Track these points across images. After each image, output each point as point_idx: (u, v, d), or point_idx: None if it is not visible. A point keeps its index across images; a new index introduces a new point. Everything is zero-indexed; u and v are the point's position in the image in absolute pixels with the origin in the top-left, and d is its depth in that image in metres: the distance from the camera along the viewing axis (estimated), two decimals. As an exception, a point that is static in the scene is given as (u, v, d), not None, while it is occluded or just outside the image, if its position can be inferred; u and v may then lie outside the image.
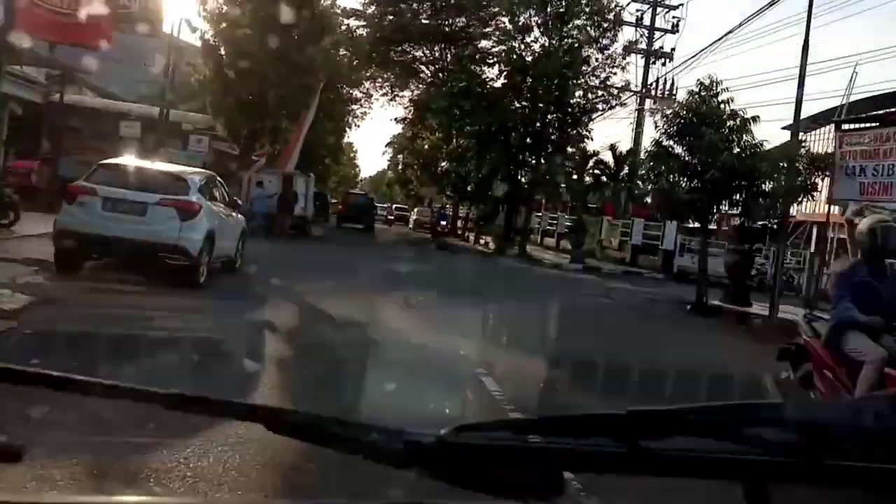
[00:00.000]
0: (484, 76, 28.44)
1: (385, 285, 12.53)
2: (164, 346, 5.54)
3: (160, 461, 2.69)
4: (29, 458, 0.88)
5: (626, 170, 26.62)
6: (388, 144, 55.47)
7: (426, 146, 52.13)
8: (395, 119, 48.07)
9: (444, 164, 46.72)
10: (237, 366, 5.31)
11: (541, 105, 25.94)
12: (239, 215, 12.56)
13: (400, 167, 62.28)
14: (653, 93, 28.14)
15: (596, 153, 28.12)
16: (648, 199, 19.71)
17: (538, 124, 25.79)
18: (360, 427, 0.88)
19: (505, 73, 26.75)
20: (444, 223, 31.25)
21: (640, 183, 18.91)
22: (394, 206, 60.34)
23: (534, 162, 25.96)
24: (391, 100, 42.04)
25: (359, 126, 52.14)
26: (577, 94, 25.07)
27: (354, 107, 45.30)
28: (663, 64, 29.24)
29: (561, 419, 0.93)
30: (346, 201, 38.50)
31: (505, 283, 17.11)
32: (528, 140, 26.00)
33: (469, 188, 29.54)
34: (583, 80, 25.26)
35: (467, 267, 21.55)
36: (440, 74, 32.62)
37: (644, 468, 0.93)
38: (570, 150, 26.37)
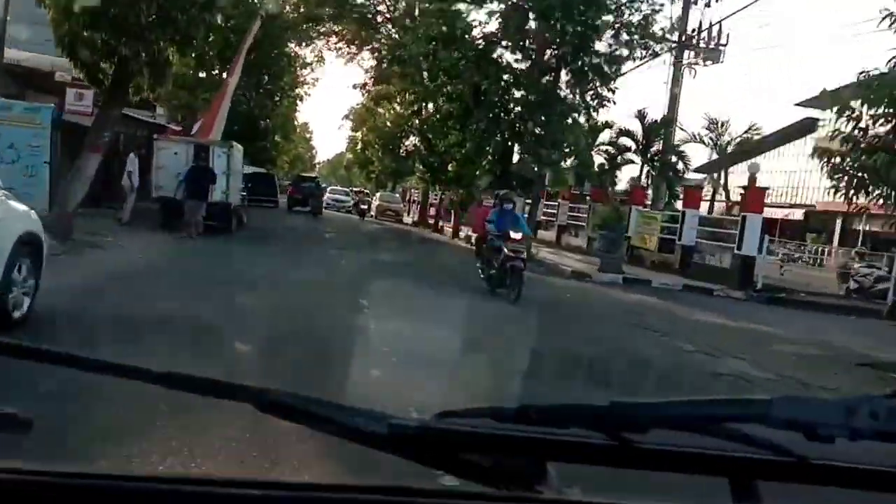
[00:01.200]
0: (471, 18, 21.91)
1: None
2: None
3: (158, 436, 2.88)
4: (38, 429, 0.88)
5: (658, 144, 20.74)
6: (345, 117, 48.32)
7: (388, 119, 44.93)
8: (354, 85, 40.65)
9: (412, 139, 39.61)
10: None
11: (549, 55, 19.55)
12: (18, 208, 5.79)
13: (359, 146, 55.12)
14: (694, 42, 21.84)
15: (606, 125, 21.90)
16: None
17: (546, 79, 19.39)
18: (345, 410, 0.89)
19: (500, 12, 20.19)
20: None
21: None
22: (355, 190, 52.83)
23: (539, 132, 19.51)
24: (348, 61, 34.79)
25: (309, 95, 45.02)
26: (599, 38, 18.61)
27: (305, 72, 37.74)
28: (707, 5, 22.69)
29: (546, 409, 0.92)
30: (295, 185, 38.18)
31: (524, 323, 9.50)
32: (529, 104, 19.57)
33: (448, 167, 23.03)
34: (609, 18, 18.84)
35: (454, 290, 12.75)
36: (408, 21, 25.67)
37: (628, 461, 0.92)
38: (582, 119, 20.02)
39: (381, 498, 0.86)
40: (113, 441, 2.80)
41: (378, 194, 43.10)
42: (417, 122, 32.92)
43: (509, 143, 21.04)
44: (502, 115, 20.73)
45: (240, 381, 0.91)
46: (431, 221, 34.84)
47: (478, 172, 21.75)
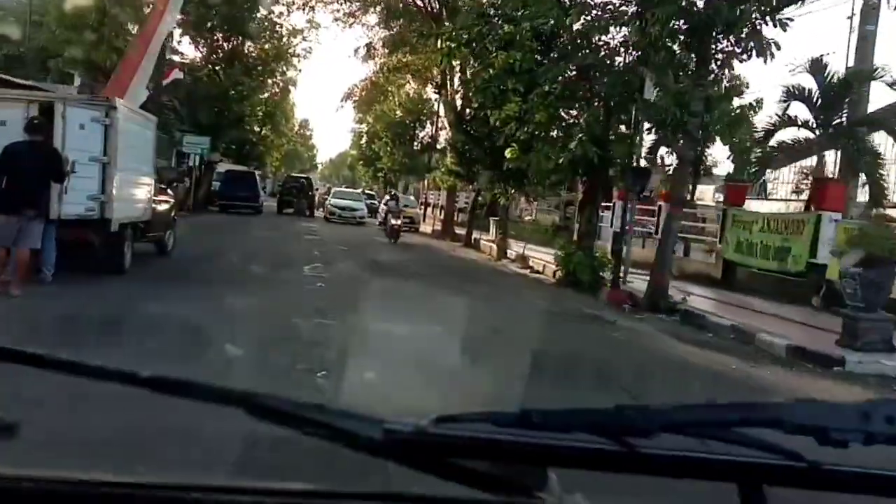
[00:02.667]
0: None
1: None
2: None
3: (145, 442, 2.77)
4: (23, 434, 0.87)
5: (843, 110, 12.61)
6: (346, 98, 39.95)
7: (400, 103, 36.40)
8: (356, 50, 31.97)
9: (431, 127, 31.28)
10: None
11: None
12: None
13: (363, 140, 46.62)
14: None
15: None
16: None
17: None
18: (339, 414, 0.87)
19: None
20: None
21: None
22: (367, 192, 44.01)
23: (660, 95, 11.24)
24: (349, 26, 26.61)
25: (300, 70, 36.69)
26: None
27: (294, 41, 29.24)
28: None
29: (547, 413, 0.88)
30: (284, 185, 35.51)
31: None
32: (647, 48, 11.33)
33: (508, 156, 14.32)
34: None
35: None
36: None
37: (633, 466, 0.90)
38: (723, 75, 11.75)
39: None
40: (99, 447, 2.75)
41: (385, 198, 34.91)
42: (449, 90, 24.55)
43: (609, 115, 12.85)
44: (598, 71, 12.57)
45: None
46: (459, 231, 26.61)
47: (554, 158, 13.50)
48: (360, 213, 30.34)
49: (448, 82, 27.54)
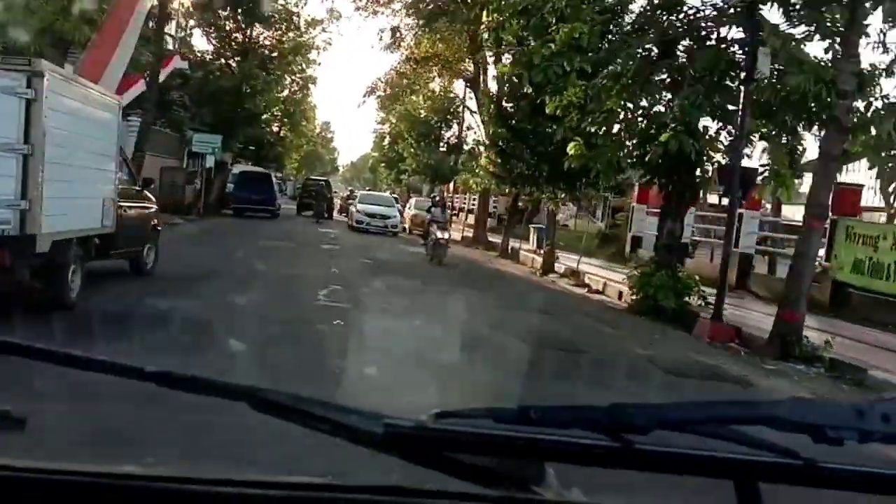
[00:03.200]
0: None
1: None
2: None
3: (149, 435, 2.82)
4: (31, 427, 0.89)
5: None
6: (368, 93, 37.38)
7: (426, 100, 33.96)
8: (380, 35, 29.32)
9: (468, 127, 28.95)
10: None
11: None
12: None
13: (386, 140, 44.14)
14: None
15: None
16: None
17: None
18: (340, 409, 0.89)
19: None
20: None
21: None
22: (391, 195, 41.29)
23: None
24: (372, 14, 24.18)
25: (319, 64, 34.32)
26: None
27: (313, 33, 26.83)
28: None
29: (545, 410, 0.89)
30: (303, 187, 35.36)
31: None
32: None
33: (571, 152, 11.54)
34: None
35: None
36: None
37: (629, 463, 0.90)
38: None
39: (376, 498, 0.87)
40: (106, 439, 2.71)
41: (412, 201, 32.22)
42: (484, 81, 21.88)
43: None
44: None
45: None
46: (492, 239, 23.93)
47: (637, 153, 10.75)
48: (394, 221, 25.31)
49: (482, 74, 24.93)
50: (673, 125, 10.47)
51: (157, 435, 2.83)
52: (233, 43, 25.31)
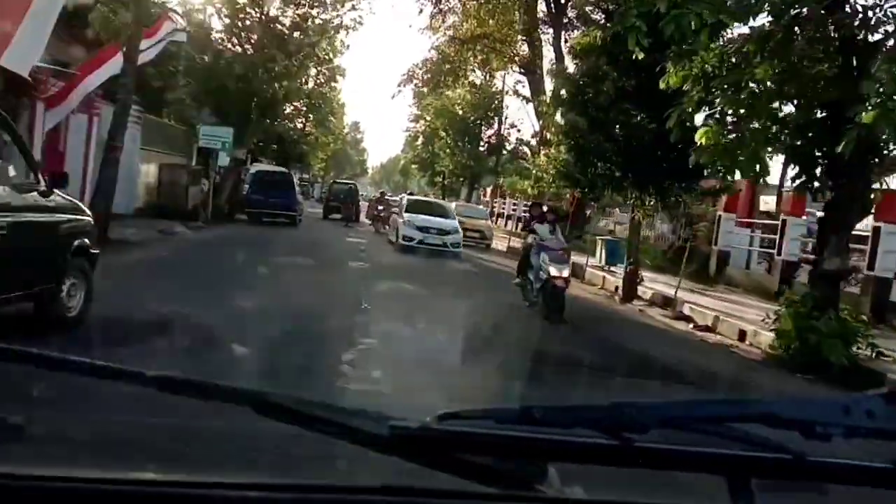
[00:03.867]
0: None
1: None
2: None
3: (153, 440, 2.14)
4: (29, 435, 0.90)
5: None
6: (404, 83, 33.90)
7: (467, 94, 30.87)
8: (421, 7, 26.02)
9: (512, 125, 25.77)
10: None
11: None
12: None
13: (419, 140, 40.81)
14: None
15: None
16: None
17: None
18: (345, 411, 0.90)
19: None
20: None
21: None
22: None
23: None
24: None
25: (347, 47, 31.04)
26: None
27: (342, 10, 23.57)
28: None
29: (546, 409, 0.93)
30: (330, 190, 33.67)
31: None
32: None
33: (702, 140, 8.30)
34: None
35: None
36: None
37: (628, 460, 0.93)
38: None
39: (383, 499, 0.87)
40: (106, 446, 2.06)
41: (451, 205, 28.77)
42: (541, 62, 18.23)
43: None
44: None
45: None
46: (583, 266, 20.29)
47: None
48: (455, 238, 18.40)
49: (538, 58, 21.37)
50: (877, 100, 6.87)
51: (158, 441, 2.17)
52: (246, 19, 22.04)
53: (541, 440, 0.89)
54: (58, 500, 0.80)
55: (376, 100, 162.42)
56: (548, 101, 17.97)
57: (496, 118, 33.13)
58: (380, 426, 0.86)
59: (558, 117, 14.11)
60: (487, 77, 32.72)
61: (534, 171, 17.96)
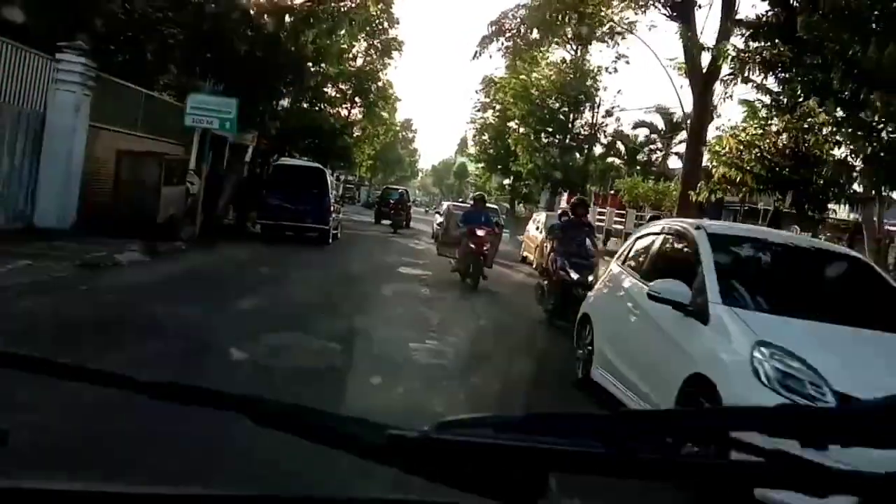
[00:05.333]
0: None
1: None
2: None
3: (144, 449, 2.76)
4: (13, 443, 0.87)
5: None
6: (491, 38, 26.39)
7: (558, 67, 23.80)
8: None
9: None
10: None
11: None
12: None
13: (486, 135, 33.28)
14: None
15: None
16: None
17: None
18: (342, 420, 0.88)
19: None
20: None
21: None
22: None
23: None
24: None
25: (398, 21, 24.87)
26: None
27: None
28: None
29: (547, 418, 0.93)
30: (381, 197, 32.86)
31: None
32: None
33: None
34: None
35: None
36: None
37: (630, 471, 0.92)
38: None
39: None
40: (95, 455, 2.71)
41: (538, 218, 20.89)
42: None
43: None
44: None
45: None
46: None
47: None
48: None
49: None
50: None
51: (150, 449, 2.75)
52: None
53: (541, 450, 0.88)
54: None
55: (428, 96, 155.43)
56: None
57: (587, 104, 25.66)
58: (377, 435, 0.84)
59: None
60: (578, 51, 25.33)
61: (719, 167, 10.55)
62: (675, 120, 27.78)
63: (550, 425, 0.91)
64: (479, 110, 35.94)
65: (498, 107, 32.89)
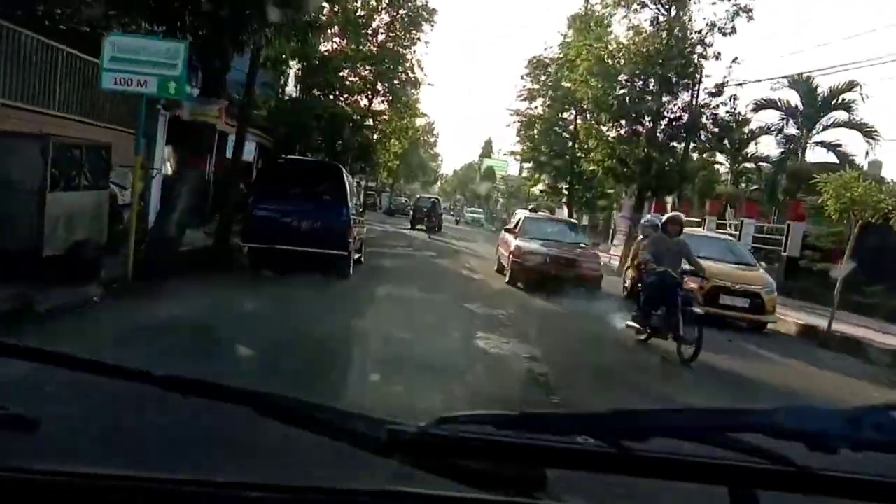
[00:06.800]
0: None
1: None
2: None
3: (156, 438, 2.91)
4: (44, 430, 0.91)
5: None
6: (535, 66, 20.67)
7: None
8: None
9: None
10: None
11: None
12: None
13: (536, 127, 27.46)
14: None
15: None
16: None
17: None
18: (344, 414, 0.90)
19: None
20: None
21: None
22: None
23: None
24: None
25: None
26: None
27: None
28: None
29: (545, 416, 0.95)
30: (416, 205, 34.26)
31: None
32: None
33: None
34: None
35: None
36: None
37: (627, 469, 0.93)
38: None
39: (379, 503, 0.87)
40: (111, 442, 2.90)
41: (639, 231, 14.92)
42: None
43: None
44: None
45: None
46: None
47: None
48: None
49: None
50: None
51: (161, 439, 2.93)
52: None
53: (539, 446, 0.88)
54: (66, 495, 0.82)
55: (447, 99, 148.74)
56: None
57: (688, 80, 19.68)
58: (378, 429, 0.85)
59: None
60: (672, 8, 19.39)
61: None
62: (820, 94, 21.71)
63: (547, 422, 0.93)
64: (524, 99, 29.99)
65: (550, 94, 27.03)
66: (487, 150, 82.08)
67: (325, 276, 10.31)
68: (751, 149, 24.60)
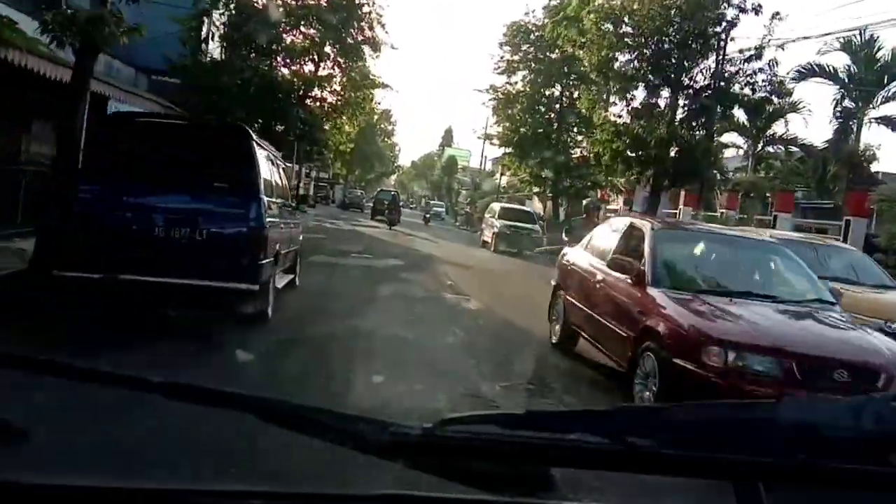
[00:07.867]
0: None
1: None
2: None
3: (156, 447, 2.75)
4: (34, 440, 0.87)
5: None
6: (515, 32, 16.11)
7: None
8: None
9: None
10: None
11: None
12: None
13: (514, 108, 22.86)
14: None
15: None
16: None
17: None
18: (346, 417, 0.88)
19: None
20: None
21: None
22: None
23: None
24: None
25: None
26: None
27: None
28: None
29: (549, 414, 0.96)
30: (376, 198, 35.55)
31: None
32: None
33: None
34: None
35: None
36: None
37: (632, 465, 0.91)
38: None
39: None
40: (111, 452, 2.70)
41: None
42: None
43: None
44: None
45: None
46: None
47: None
48: None
49: None
50: None
51: (162, 447, 2.76)
52: None
53: (543, 445, 0.87)
54: None
55: (404, 86, 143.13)
56: None
57: (713, 40, 15.46)
58: (380, 432, 0.83)
59: None
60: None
61: None
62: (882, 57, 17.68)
63: (552, 421, 0.91)
64: (501, 72, 25.39)
65: (534, 66, 22.57)
66: (448, 139, 77.66)
67: (219, 328, 5.65)
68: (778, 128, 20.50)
